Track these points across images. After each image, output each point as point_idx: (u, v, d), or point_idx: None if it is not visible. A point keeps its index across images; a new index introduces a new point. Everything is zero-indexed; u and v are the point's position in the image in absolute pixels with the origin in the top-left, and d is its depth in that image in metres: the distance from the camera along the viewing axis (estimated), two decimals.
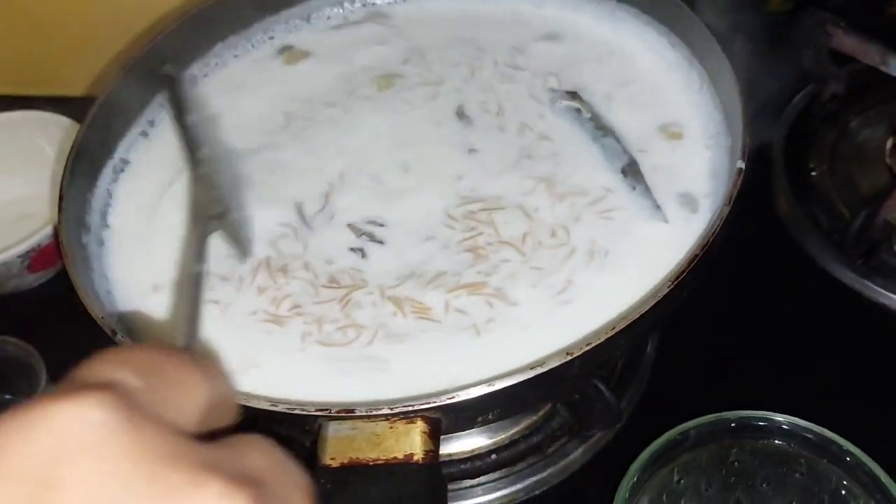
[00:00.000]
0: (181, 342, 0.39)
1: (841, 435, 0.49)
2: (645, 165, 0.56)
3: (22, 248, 0.70)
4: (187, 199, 0.58)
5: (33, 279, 0.74)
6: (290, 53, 0.67)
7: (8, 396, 0.69)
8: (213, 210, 0.52)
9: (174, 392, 0.24)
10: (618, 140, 0.57)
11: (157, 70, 0.62)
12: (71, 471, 0.19)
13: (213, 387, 0.26)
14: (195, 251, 0.47)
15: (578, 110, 0.59)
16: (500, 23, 0.67)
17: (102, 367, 0.23)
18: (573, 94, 0.60)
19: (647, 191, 0.54)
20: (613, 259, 0.52)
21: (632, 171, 0.55)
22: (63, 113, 0.79)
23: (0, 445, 0.19)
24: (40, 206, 0.76)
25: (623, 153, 0.56)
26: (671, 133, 0.58)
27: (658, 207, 0.54)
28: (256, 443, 0.24)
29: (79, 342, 0.69)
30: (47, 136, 0.80)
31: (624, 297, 0.48)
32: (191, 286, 0.43)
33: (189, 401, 0.24)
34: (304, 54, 0.67)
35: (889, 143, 0.71)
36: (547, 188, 0.56)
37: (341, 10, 0.70)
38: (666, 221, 0.53)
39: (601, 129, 0.58)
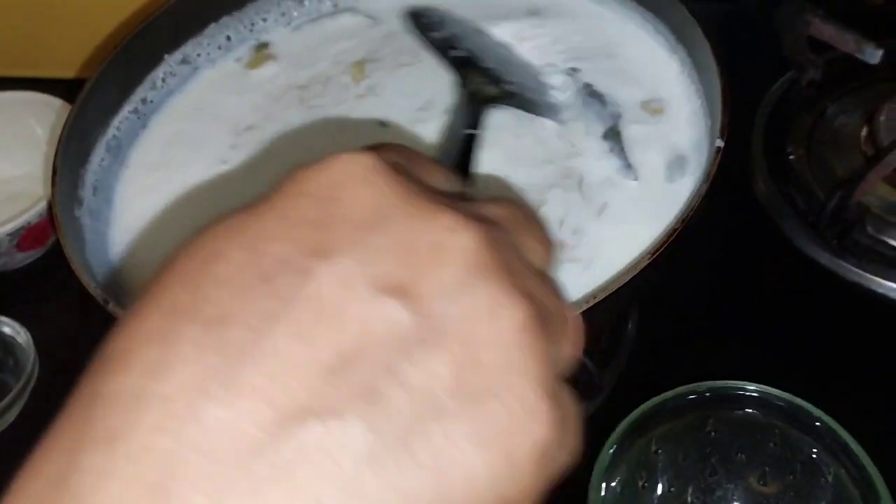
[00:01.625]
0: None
1: (818, 405, 0.51)
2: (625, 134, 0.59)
3: (11, 226, 0.71)
4: (456, 97, 0.60)
5: (22, 258, 0.75)
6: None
7: None
8: (490, 92, 0.56)
9: (426, 173, 0.28)
10: (603, 104, 0.59)
11: (150, 50, 0.63)
12: (349, 190, 0.24)
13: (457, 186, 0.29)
14: (471, 122, 0.52)
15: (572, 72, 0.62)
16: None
17: (374, 147, 0.27)
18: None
19: (622, 151, 0.57)
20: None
21: (613, 133, 0.57)
22: (60, 94, 0.80)
23: (298, 177, 0.24)
24: (30, 186, 0.77)
25: (608, 117, 0.59)
26: (653, 109, 0.59)
27: (629, 166, 0.56)
28: (501, 199, 0.28)
29: (67, 319, 0.71)
30: (38, 116, 0.80)
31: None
32: (462, 145, 0.49)
33: (438, 183, 0.28)
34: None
35: (864, 129, 0.72)
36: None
37: None
38: (635, 179, 0.56)
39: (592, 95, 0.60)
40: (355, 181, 0.24)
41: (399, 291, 0.22)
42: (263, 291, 0.22)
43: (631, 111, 0.60)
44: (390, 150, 0.27)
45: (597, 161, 0.57)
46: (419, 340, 0.22)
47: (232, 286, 0.22)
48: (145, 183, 0.60)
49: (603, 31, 0.65)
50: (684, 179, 0.55)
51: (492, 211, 0.26)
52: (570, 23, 0.66)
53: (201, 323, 0.22)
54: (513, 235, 0.26)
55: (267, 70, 0.67)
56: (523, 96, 0.58)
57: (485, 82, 0.57)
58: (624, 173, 0.57)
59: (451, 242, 0.23)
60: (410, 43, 0.65)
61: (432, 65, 0.62)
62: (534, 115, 0.58)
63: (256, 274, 0.22)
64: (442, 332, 0.22)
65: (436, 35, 0.62)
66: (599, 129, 0.59)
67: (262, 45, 0.68)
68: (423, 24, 0.63)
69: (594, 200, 0.55)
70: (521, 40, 0.64)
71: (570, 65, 0.63)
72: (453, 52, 0.59)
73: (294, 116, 0.62)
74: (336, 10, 0.70)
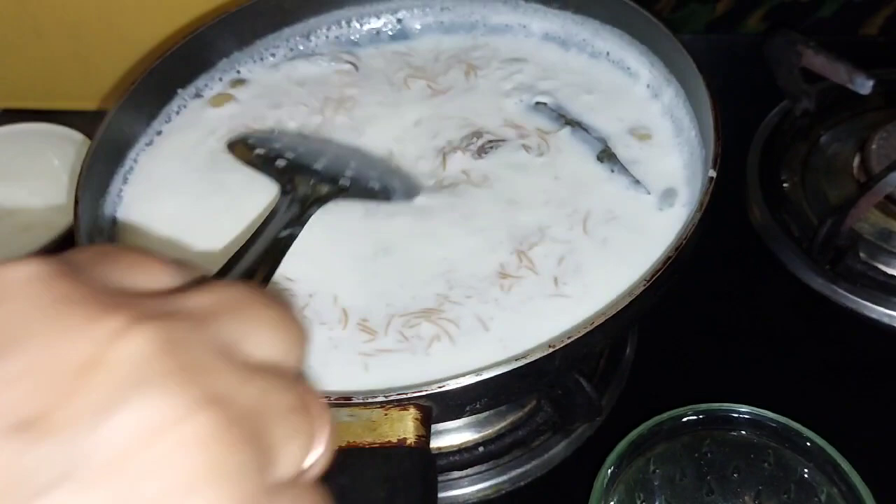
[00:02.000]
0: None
1: (808, 427, 0.52)
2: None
3: (29, 254, 0.73)
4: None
5: None
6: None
7: None
8: (321, 192, 0.55)
9: (121, 273, 0.24)
10: (587, 131, 0.62)
11: (165, 85, 0.66)
12: None
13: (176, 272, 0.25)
14: (288, 223, 0.51)
15: (544, 104, 0.64)
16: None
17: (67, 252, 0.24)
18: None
19: (624, 169, 0.59)
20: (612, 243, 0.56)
21: (607, 155, 0.60)
22: (73, 126, 0.82)
23: None
24: (47, 216, 0.79)
25: (595, 141, 0.61)
26: (640, 135, 0.61)
27: (637, 182, 0.58)
28: (209, 286, 0.24)
29: None
30: (55, 148, 0.82)
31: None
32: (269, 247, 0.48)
33: (149, 276, 0.24)
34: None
35: (856, 158, 0.74)
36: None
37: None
38: (648, 193, 0.58)
39: (570, 123, 0.63)
40: (6, 292, 0.21)
41: (26, 426, 0.19)
42: None
43: (618, 137, 0.62)
44: (83, 251, 0.23)
45: (604, 185, 0.59)
46: (57, 483, 0.19)
47: None
48: (158, 210, 0.62)
49: (599, 70, 0.67)
50: (674, 209, 0.57)
51: (195, 301, 0.23)
52: (565, 71, 0.68)
53: None
54: (220, 326, 0.22)
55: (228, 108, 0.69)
56: (362, 187, 0.58)
57: (316, 182, 0.56)
58: (635, 188, 0.59)
59: (110, 353, 0.20)
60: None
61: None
62: (381, 202, 0.58)
63: None
64: (89, 467, 0.19)
65: (257, 153, 0.61)
66: (591, 154, 0.61)
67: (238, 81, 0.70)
68: (241, 147, 0.62)
69: (596, 235, 0.57)
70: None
71: (547, 99, 0.65)
72: (278, 163, 0.58)
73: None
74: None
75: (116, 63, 0.81)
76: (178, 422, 0.20)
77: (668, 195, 0.58)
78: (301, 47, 0.72)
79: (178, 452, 0.20)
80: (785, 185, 0.75)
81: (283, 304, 0.25)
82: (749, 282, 0.71)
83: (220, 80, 0.69)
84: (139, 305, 0.21)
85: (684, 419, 0.53)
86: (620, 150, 0.61)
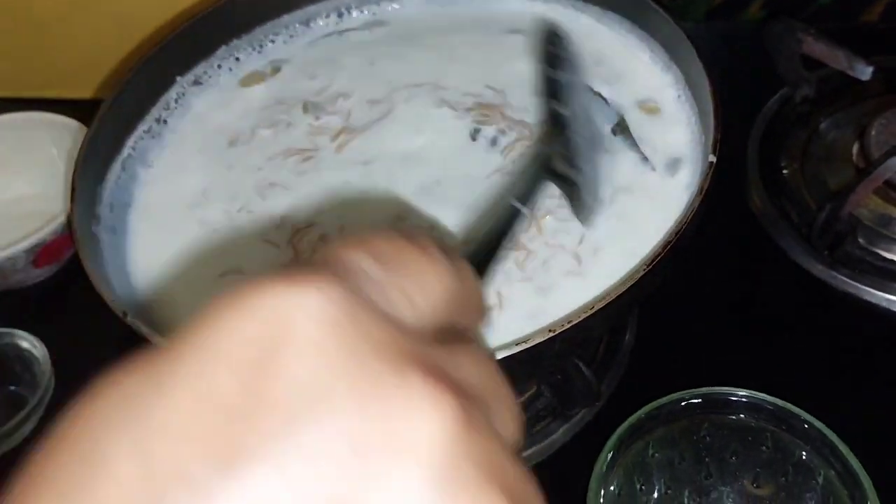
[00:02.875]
0: (461, 252, 0.37)
1: (806, 410, 0.52)
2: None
3: (27, 243, 0.73)
4: (535, 143, 0.57)
5: (38, 274, 0.76)
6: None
7: (12, 388, 0.72)
8: (556, 166, 0.51)
9: (408, 283, 0.22)
10: (606, 102, 0.61)
11: (163, 72, 0.65)
12: (285, 357, 0.18)
13: (456, 283, 0.24)
14: (522, 190, 0.47)
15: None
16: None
17: (345, 251, 0.22)
18: None
19: (635, 144, 0.59)
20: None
21: (621, 128, 0.60)
22: (70, 115, 0.82)
23: (219, 323, 0.19)
24: (45, 204, 0.79)
25: (613, 113, 0.60)
26: (649, 108, 0.61)
27: (646, 158, 0.58)
28: (477, 354, 0.23)
29: (82, 333, 0.73)
30: (53, 136, 0.82)
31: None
32: (502, 215, 0.43)
33: (428, 296, 0.23)
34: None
35: (855, 144, 0.74)
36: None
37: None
38: (654, 170, 0.58)
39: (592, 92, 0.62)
40: (297, 341, 0.19)
41: None
42: None
43: (628, 111, 0.62)
44: (369, 253, 0.22)
45: (617, 156, 0.59)
46: None
47: None
48: (159, 199, 0.62)
49: (601, 59, 0.67)
50: (680, 176, 0.57)
51: (470, 369, 0.21)
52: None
53: None
54: (490, 407, 0.21)
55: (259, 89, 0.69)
56: (580, 192, 0.52)
57: (561, 155, 0.51)
58: (643, 166, 0.58)
59: (416, 432, 0.18)
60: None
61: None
62: (570, 213, 0.55)
63: (145, 497, 0.17)
64: None
65: (556, 76, 0.55)
66: (607, 125, 0.60)
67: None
68: (552, 54, 0.56)
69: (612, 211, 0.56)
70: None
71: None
72: (558, 105, 0.54)
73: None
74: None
75: (113, 51, 0.81)
76: None
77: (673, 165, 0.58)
78: (301, 34, 0.72)
79: None
80: (784, 171, 0.75)
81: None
82: (748, 267, 0.71)
83: (219, 67, 0.69)
84: (435, 361, 0.20)
85: (683, 403, 0.53)
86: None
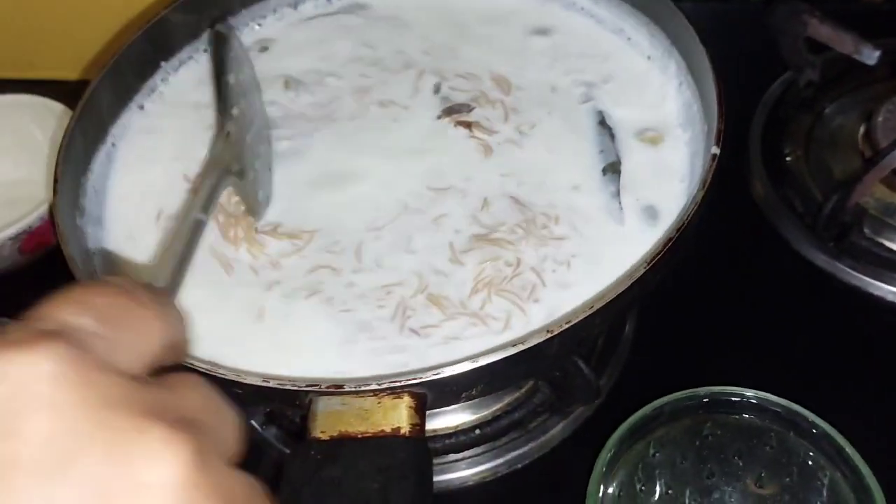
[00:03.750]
0: (162, 281, 0.40)
1: (809, 409, 0.51)
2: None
3: (13, 230, 0.71)
4: (208, 150, 0.58)
5: (24, 260, 0.75)
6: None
7: None
8: (232, 166, 0.52)
9: (128, 335, 0.25)
10: (612, 138, 0.59)
11: (148, 55, 0.63)
12: (25, 421, 0.20)
13: (169, 329, 0.27)
14: (203, 200, 0.47)
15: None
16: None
17: (60, 309, 0.24)
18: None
19: (617, 193, 0.56)
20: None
21: (612, 170, 0.57)
22: (56, 97, 0.80)
23: None
24: (31, 190, 0.77)
25: (613, 153, 0.58)
26: (650, 138, 0.59)
27: (620, 209, 0.56)
28: (193, 382, 0.26)
29: None
30: (38, 120, 0.80)
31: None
32: (188, 232, 0.44)
33: (143, 343, 0.26)
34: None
35: (861, 130, 0.72)
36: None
37: None
38: (622, 224, 0.55)
39: (603, 125, 0.60)
40: (34, 404, 0.20)
41: None
42: None
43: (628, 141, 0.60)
44: (85, 311, 0.24)
45: (590, 198, 0.57)
46: None
47: None
48: (141, 188, 0.60)
49: (599, 44, 0.65)
50: (654, 231, 0.55)
51: (191, 402, 0.24)
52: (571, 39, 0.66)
53: None
54: (214, 432, 0.25)
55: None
56: (253, 190, 0.55)
57: (234, 156, 0.53)
58: (612, 216, 0.56)
59: (156, 476, 0.21)
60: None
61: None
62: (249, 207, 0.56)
63: None
64: None
65: (229, 79, 0.56)
66: (600, 163, 0.58)
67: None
68: (222, 59, 0.57)
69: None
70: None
71: (581, 89, 0.63)
72: (232, 109, 0.55)
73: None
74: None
75: (98, 32, 0.79)
76: None
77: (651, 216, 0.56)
78: (288, 16, 0.70)
79: None
80: (788, 158, 0.73)
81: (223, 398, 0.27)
82: (750, 258, 0.70)
83: (205, 51, 0.67)
84: (165, 406, 0.22)
85: (685, 402, 0.52)
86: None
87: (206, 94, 0.65)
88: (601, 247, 0.54)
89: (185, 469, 0.21)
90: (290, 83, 0.64)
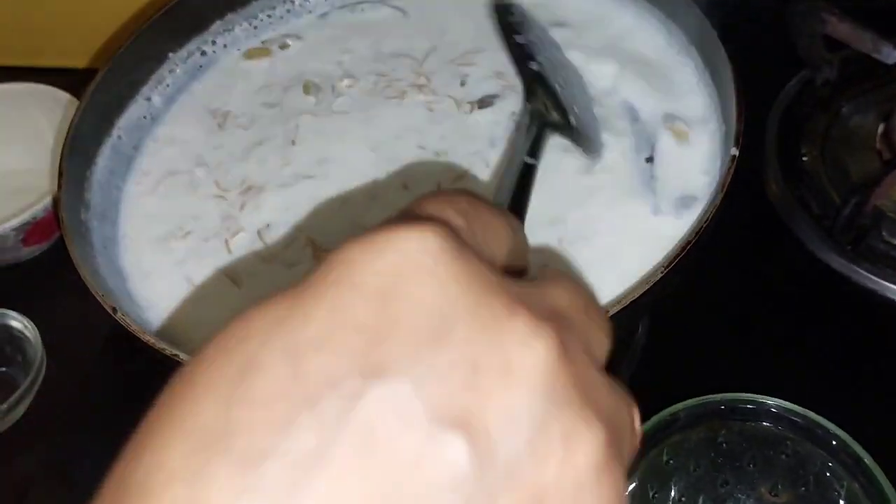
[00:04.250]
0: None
1: (827, 418, 0.50)
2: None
3: (17, 221, 0.71)
4: (523, 107, 0.58)
5: (28, 252, 0.75)
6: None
7: (3, 369, 0.70)
8: (551, 117, 0.52)
9: (489, 234, 0.26)
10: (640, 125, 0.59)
11: (157, 46, 0.63)
12: (411, 286, 0.21)
13: (516, 236, 0.28)
14: (530, 144, 0.48)
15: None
16: None
17: (432, 205, 0.25)
18: None
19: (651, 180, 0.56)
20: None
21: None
22: (63, 86, 0.79)
23: (351, 259, 0.22)
24: (35, 180, 0.77)
25: (649, 144, 0.58)
26: (678, 132, 0.58)
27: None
28: (560, 280, 0.25)
29: (73, 314, 0.71)
30: (44, 109, 0.80)
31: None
32: (521, 175, 0.45)
33: (500, 244, 0.26)
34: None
35: (879, 129, 0.71)
36: None
37: None
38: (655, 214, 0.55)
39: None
40: (420, 272, 0.21)
41: (462, 425, 0.20)
42: (306, 421, 0.19)
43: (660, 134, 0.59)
44: (451, 207, 0.25)
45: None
46: (482, 491, 0.20)
47: (271, 410, 0.19)
48: (150, 185, 0.59)
49: (619, 44, 0.64)
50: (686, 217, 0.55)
51: (558, 299, 0.24)
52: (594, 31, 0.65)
53: (236, 461, 0.19)
54: (580, 331, 0.24)
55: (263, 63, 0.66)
56: (580, 131, 0.55)
57: (550, 106, 0.53)
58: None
59: (523, 360, 0.21)
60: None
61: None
62: (580, 151, 0.56)
63: (299, 396, 0.20)
64: (509, 477, 0.20)
65: (518, 39, 0.57)
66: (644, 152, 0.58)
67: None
68: (508, 23, 0.58)
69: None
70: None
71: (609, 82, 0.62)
72: (530, 63, 0.55)
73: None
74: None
75: (107, 20, 0.78)
76: (585, 440, 0.21)
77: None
78: (298, 8, 0.69)
79: (584, 472, 0.21)
80: (804, 158, 0.72)
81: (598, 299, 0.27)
82: (765, 260, 0.68)
83: (214, 42, 0.66)
84: (531, 304, 0.22)
85: (702, 409, 0.51)
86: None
87: (213, 85, 0.64)
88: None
89: (550, 359, 0.21)
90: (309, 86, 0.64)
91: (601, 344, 0.25)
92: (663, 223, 0.54)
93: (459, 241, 0.23)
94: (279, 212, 0.56)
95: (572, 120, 0.53)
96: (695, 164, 0.57)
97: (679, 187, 0.56)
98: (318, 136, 0.60)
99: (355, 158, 0.58)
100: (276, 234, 0.55)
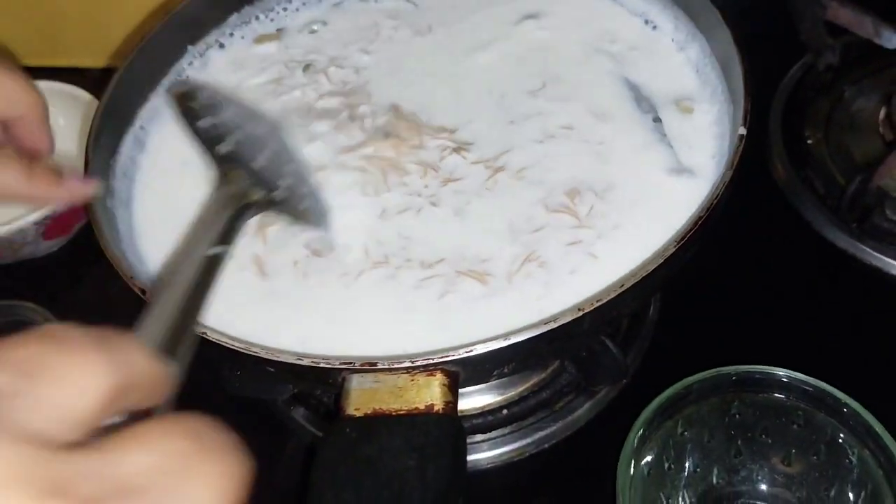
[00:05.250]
0: (147, 332, 0.35)
1: (836, 388, 0.51)
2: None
3: (37, 215, 0.72)
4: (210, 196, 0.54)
5: (47, 246, 0.75)
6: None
7: None
8: (252, 196, 0.48)
9: (52, 390, 0.22)
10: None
11: (174, 42, 0.64)
12: None
13: (119, 373, 0.24)
14: (219, 235, 0.44)
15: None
16: None
17: None
18: None
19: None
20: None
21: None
22: (81, 85, 0.80)
23: None
24: None
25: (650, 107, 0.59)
26: (683, 107, 0.60)
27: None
28: (151, 437, 0.23)
29: (92, 306, 0.72)
30: (61, 107, 0.80)
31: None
32: (199, 269, 0.41)
33: (73, 396, 0.23)
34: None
35: (881, 113, 0.73)
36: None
37: None
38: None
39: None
40: None
41: None
42: None
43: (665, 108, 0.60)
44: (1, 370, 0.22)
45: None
46: None
47: None
48: (168, 176, 0.60)
49: (627, 30, 0.65)
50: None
51: (127, 467, 0.22)
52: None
53: None
54: (170, 493, 0.22)
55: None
56: (291, 204, 0.52)
57: (251, 184, 0.49)
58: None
59: None
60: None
61: None
62: (300, 224, 0.54)
63: None
64: None
65: (202, 124, 0.52)
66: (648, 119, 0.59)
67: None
68: (189, 108, 0.53)
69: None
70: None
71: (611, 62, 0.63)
72: (219, 148, 0.51)
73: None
74: None
75: (125, 19, 0.79)
76: None
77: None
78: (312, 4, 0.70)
79: None
80: (809, 141, 0.73)
81: (226, 440, 0.24)
82: (772, 240, 0.70)
83: (231, 34, 0.67)
84: (83, 478, 0.20)
85: (714, 381, 0.53)
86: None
87: (235, 76, 0.65)
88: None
89: None
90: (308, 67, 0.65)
91: (218, 486, 0.23)
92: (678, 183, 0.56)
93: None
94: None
95: (277, 196, 0.50)
96: (701, 135, 0.58)
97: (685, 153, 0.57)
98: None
99: None
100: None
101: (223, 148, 0.51)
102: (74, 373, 0.23)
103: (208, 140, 0.52)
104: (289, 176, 0.53)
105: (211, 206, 0.48)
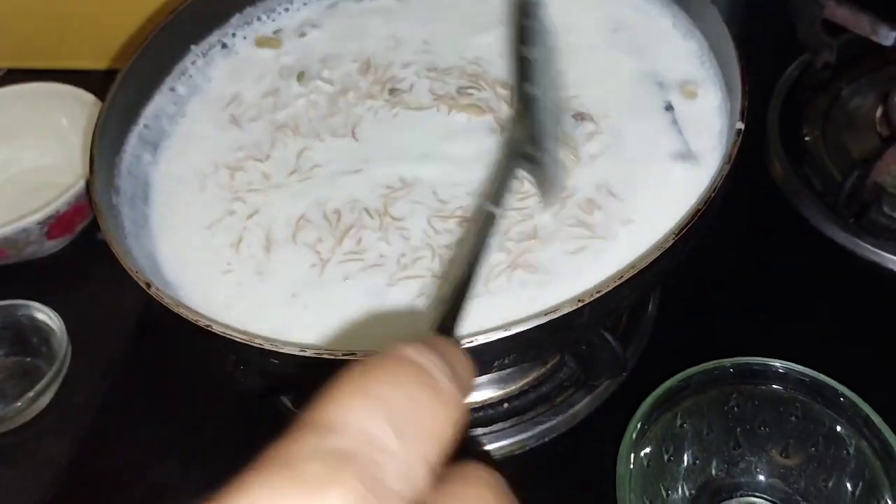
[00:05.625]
0: (443, 307, 0.34)
1: (832, 378, 0.52)
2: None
3: (41, 215, 0.72)
4: (505, 128, 0.57)
5: (51, 246, 0.76)
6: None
7: (29, 359, 0.72)
8: (525, 149, 0.49)
9: (423, 445, 0.21)
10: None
11: (178, 42, 0.64)
12: None
13: (461, 412, 0.22)
14: (496, 189, 0.44)
15: None
16: None
17: (354, 411, 0.21)
18: None
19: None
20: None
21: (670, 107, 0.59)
22: (85, 86, 0.81)
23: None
24: (58, 177, 0.79)
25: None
26: (687, 91, 0.60)
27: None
28: (474, 482, 0.22)
29: (97, 305, 0.72)
30: (65, 108, 0.82)
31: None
32: (481, 226, 0.40)
33: (436, 449, 0.21)
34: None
35: (878, 110, 0.73)
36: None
37: None
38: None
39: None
40: None
41: None
42: None
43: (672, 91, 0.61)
44: (378, 418, 0.20)
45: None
46: None
47: None
48: (177, 171, 0.61)
49: (626, 27, 0.66)
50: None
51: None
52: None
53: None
54: None
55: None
56: (544, 171, 0.51)
57: (529, 138, 0.49)
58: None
59: None
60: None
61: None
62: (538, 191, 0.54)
63: None
64: None
65: (525, 53, 0.53)
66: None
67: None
68: (522, 28, 0.54)
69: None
70: None
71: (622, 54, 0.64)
72: (528, 85, 0.51)
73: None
74: None
75: (126, 20, 0.80)
76: None
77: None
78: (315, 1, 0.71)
79: None
80: (806, 138, 0.74)
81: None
82: (772, 237, 0.70)
83: (234, 35, 0.68)
84: None
85: (712, 373, 0.53)
86: None
87: (235, 77, 0.66)
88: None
89: None
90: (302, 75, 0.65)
91: None
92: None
93: (376, 491, 0.19)
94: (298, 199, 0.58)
95: (545, 159, 0.50)
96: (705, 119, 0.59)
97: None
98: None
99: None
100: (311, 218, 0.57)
101: (528, 87, 0.52)
102: (440, 422, 0.21)
103: (521, 71, 0.53)
104: (553, 141, 0.53)
105: (504, 146, 0.52)
